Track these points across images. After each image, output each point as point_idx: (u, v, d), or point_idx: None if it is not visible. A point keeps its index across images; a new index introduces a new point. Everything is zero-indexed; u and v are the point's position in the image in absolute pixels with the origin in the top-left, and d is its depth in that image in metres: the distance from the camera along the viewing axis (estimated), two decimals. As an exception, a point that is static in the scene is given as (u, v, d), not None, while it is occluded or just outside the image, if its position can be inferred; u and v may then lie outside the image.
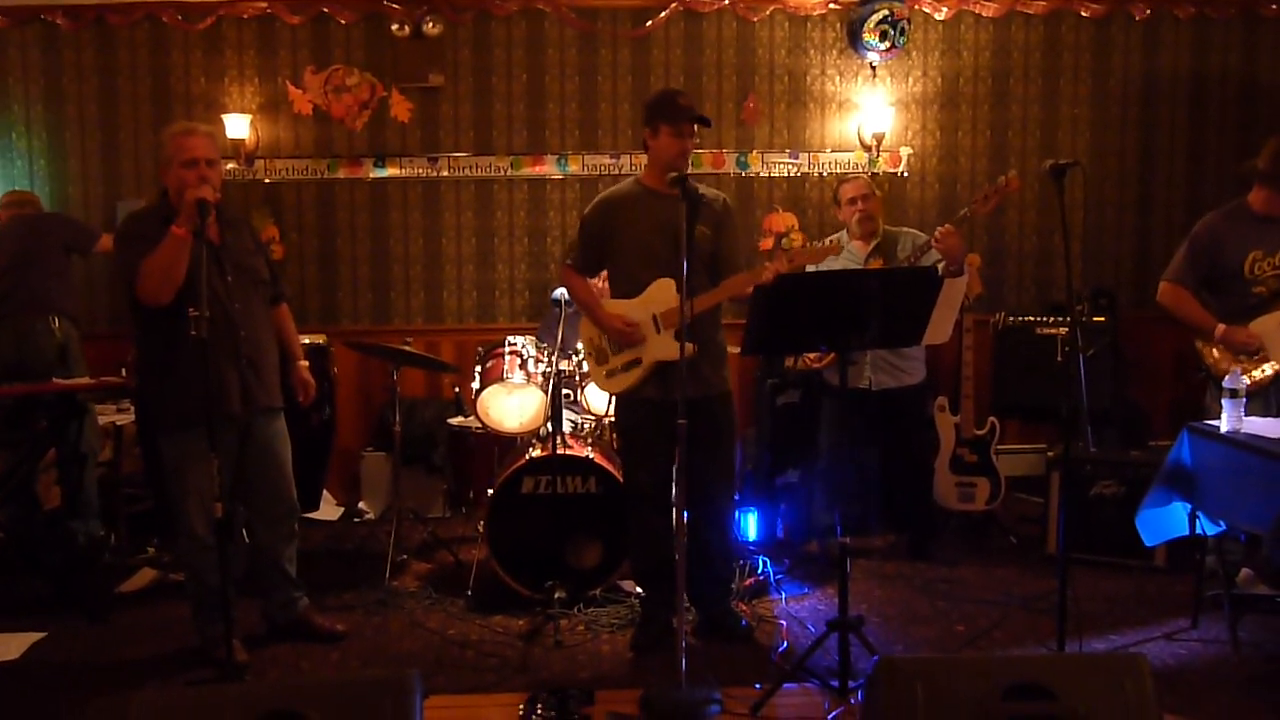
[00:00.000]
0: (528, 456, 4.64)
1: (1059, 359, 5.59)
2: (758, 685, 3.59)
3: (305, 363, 4.41)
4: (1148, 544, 4.37)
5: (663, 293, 3.97)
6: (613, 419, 5.00)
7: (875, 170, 6.58)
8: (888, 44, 6.44)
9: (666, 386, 3.97)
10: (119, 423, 5.37)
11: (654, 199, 4.04)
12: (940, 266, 4.64)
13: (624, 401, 4.20)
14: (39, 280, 5.46)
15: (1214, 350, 4.60)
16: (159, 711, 2.36)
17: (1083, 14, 6.66)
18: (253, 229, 4.30)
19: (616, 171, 6.57)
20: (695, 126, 3.99)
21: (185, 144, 3.83)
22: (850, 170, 6.54)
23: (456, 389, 6.17)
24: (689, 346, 3.53)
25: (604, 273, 4.32)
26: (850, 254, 5.13)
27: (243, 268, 3.99)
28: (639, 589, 4.38)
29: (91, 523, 5.18)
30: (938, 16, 6.61)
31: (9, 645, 4.21)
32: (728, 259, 4.09)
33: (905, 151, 6.69)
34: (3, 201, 5.88)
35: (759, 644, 4.15)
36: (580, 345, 4.38)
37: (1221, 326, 4.57)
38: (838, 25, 6.61)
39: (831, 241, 4.81)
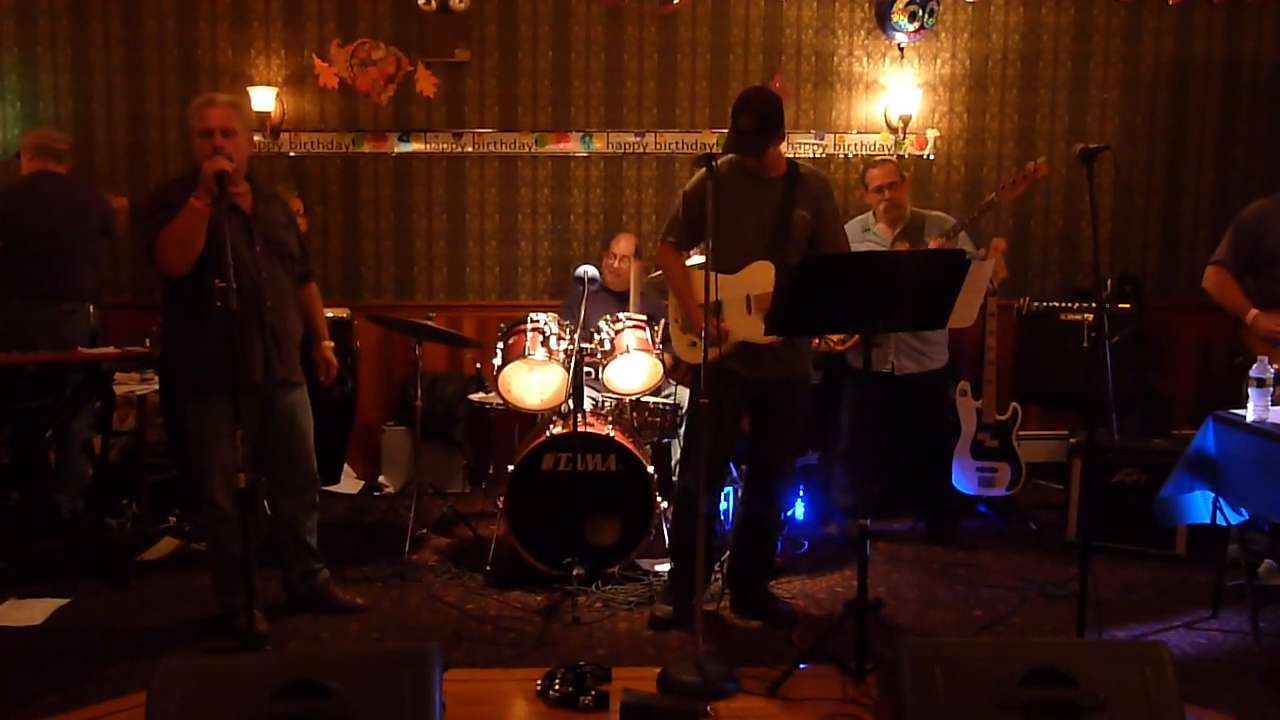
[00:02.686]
0: (548, 434, 4.64)
1: (1083, 345, 5.56)
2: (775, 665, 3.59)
3: (330, 343, 4.42)
4: (1163, 526, 4.35)
5: (762, 276, 3.94)
6: (635, 399, 5.02)
7: (901, 153, 6.53)
8: (916, 25, 6.40)
9: (751, 364, 3.99)
10: (141, 392, 5.40)
11: (753, 182, 4.01)
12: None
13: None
14: (79, 267, 5.31)
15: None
16: (181, 679, 2.38)
17: (1115, -3, 6.60)
18: (285, 204, 4.30)
19: (641, 150, 6.55)
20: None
21: (202, 114, 3.83)
22: (877, 152, 6.50)
23: (478, 365, 6.18)
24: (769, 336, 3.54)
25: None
26: (877, 237, 5.11)
27: (272, 240, 3.99)
28: (668, 565, 4.40)
29: (77, 499, 5.20)
30: (968, -2, 6.57)
31: (33, 611, 4.25)
32: (826, 242, 4.07)
33: (932, 134, 6.64)
34: (29, 144, 5.44)
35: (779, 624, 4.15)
36: (668, 310, 4.39)
37: (1254, 312, 4.56)
38: (866, 6, 6.56)
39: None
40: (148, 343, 5.06)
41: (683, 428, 4.96)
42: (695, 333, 4.05)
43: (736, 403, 4.00)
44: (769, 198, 3.98)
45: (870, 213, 5.23)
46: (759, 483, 4.22)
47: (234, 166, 3.70)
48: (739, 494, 4.50)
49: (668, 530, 4.60)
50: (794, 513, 5.37)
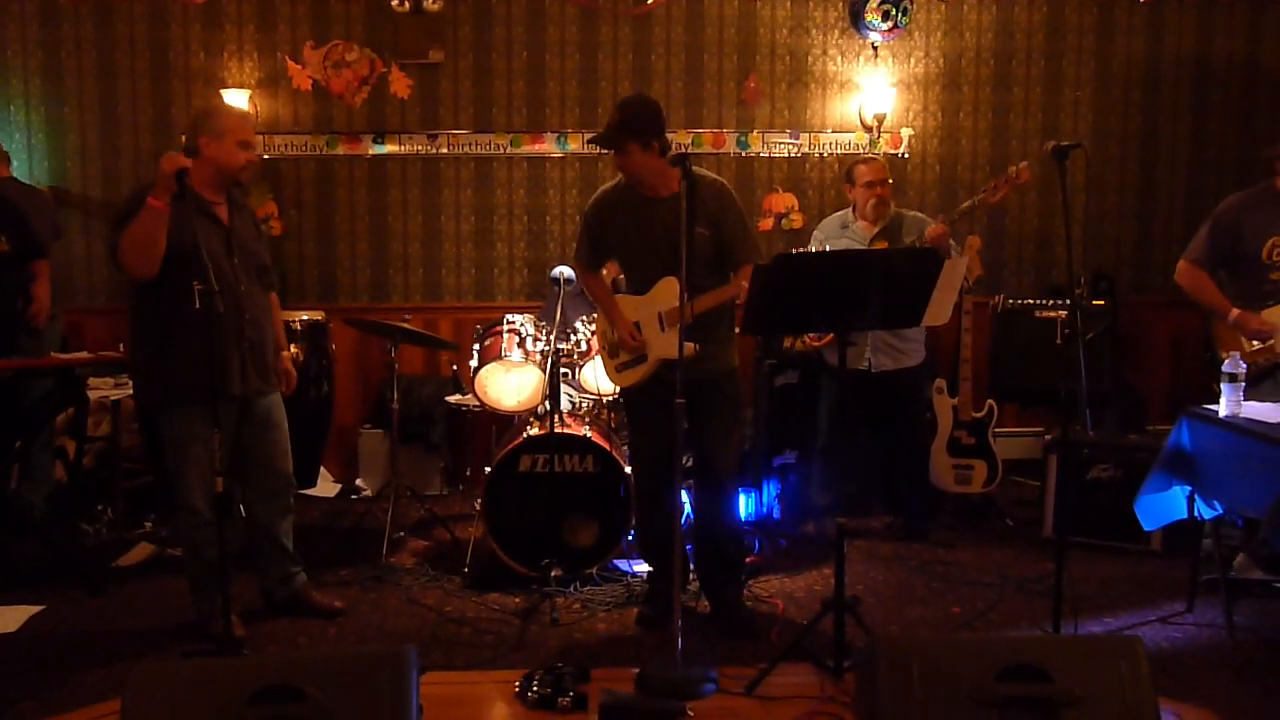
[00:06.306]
0: (525, 435, 4.64)
1: (1058, 342, 5.59)
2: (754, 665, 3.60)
3: (288, 352, 4.38)
4: (1146, 528, 4.37)
5: (668, 291, 3.96)
6: (612, 398, 5.02)
7: (876, 152, 6.55)
8: (890, 24, 6.42)
9: (664, 367, 3.99)
10: (116, 397, 5.37)
11: (645, 205, 4.02)
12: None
13: None
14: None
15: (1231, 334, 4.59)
16: (157, 684, 2.37)
17: (1087, -5, 6.65)
18: (254, 214, 4.28)
19: (617, 150, 6.54)
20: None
21: (245, 125, 3.91)
22: (852, 151, 6.52)
23: (454, 367, 6.16)
24: (689, 346, 3.54)
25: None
26: (855, 234, 5.12)
27: (247, 251, 3.99)
28: (646, 564, 4.39)
29: (42, 500, 5.22)
30: (941, -3, 6.59)
31: (7, 618, 4.22)
32: (732, 251, 4.04)
33: (906, 133, 6.66)
34: None
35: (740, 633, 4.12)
36: (594, 335, 4.41)
37: (1236, 311, 4.55)
38: (840, 5, 6.58)
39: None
40: (121, 347, 5.04)
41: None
42: (626, 349, 4.11)
43: (664, 403, 3.80)
44: (663, 220, 3.92)
45: (849, 209, 5.24)
46: (704, 482, 4.21)
47: (189, 165, 3.61)
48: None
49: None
50: (752, 509, 5.34)
